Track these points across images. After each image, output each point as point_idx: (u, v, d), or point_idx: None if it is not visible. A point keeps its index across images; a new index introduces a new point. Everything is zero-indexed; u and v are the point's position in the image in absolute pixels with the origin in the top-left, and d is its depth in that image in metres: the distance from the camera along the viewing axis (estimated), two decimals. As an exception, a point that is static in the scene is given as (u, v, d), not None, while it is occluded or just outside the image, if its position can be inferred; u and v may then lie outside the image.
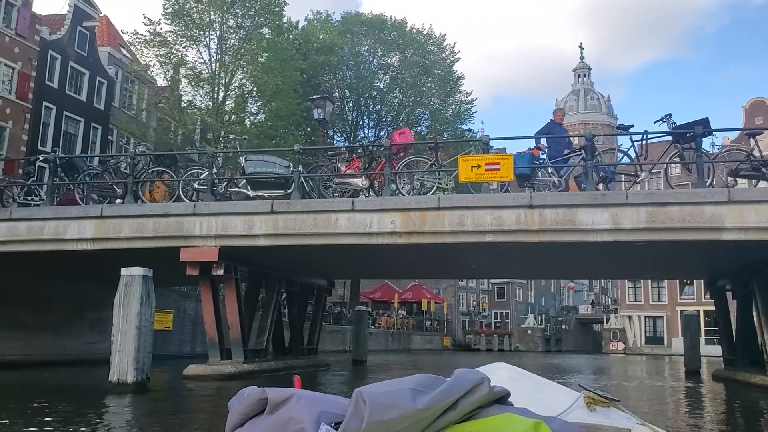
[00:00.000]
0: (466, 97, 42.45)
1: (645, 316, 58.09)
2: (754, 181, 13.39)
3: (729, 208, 12.10)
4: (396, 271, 25.36)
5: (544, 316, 70.91)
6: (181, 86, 33.47)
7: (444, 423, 1.52)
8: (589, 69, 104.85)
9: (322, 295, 21.82)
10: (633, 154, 13.22)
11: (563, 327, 73.62)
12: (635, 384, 19.42)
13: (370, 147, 14.61)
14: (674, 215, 12.31)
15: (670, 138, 13.14)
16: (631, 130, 13.39)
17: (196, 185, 14.80)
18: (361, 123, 40.55)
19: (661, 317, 57.06)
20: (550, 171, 14.05)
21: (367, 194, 14.30)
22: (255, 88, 32.58)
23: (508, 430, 1.47)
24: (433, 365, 28.80)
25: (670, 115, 12.95)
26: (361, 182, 14.12)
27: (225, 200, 14.73)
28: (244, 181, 14.52)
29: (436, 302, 61.20)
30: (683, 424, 9.88)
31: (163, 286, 24.94)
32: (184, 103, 33.31)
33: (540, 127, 14.44)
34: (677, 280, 54.35)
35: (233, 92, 32.71)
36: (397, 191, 13.85)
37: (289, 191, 14.18)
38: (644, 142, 13.15)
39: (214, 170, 14.74)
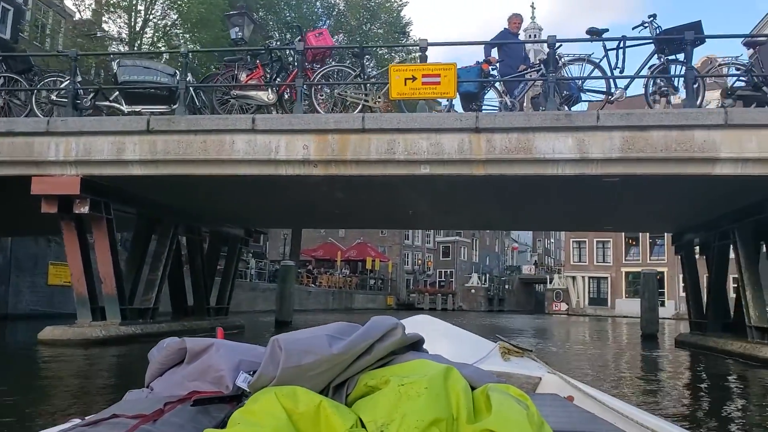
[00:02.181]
0: (415, 44, 39.46)
1: (589, 277, 57.61)
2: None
3: (725, 133, 9.64)
4: (324, 219, 22.40)
5: (487, 275, 70.37)
6: (102, 19, 30.12)
7: (359, 367, 1.42)
8: (540, 30, 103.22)
9: (236, 246, 18.75)
10: (606, 67, 10.56)
11: (506, 287, 73.26)
12: (587, 349, 17.17)
13: (279, 52, 11.52)
14: (657, 142, 9.77)
15: (652, 47, 10.46)
16: (605, 36, 10.63)
17: (53, 97, 11.51)
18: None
19: (605, 278, 56.54)
20: (501, 90, 11.34)
21: (274, 111, 11.35)
22: (177, 17, 29.40)
23: (420, 374, 1.34)
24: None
25: (654, 16, 10.25)
26: (266, 96, 11.11)
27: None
28: (117, 92, 11.36)
29: (381, 260, 59.18)
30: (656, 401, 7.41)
31: (30, 234, 21.28)
32: (101, 33, 29.80)
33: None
34: (623, 241, 53.44)
35: (153, 21, 29.50)
36: (312, 108, 10.95)
37: (174, 107, 11.12)
38: (621, 51, 10.49)
39: (79, 78, 11.48)
